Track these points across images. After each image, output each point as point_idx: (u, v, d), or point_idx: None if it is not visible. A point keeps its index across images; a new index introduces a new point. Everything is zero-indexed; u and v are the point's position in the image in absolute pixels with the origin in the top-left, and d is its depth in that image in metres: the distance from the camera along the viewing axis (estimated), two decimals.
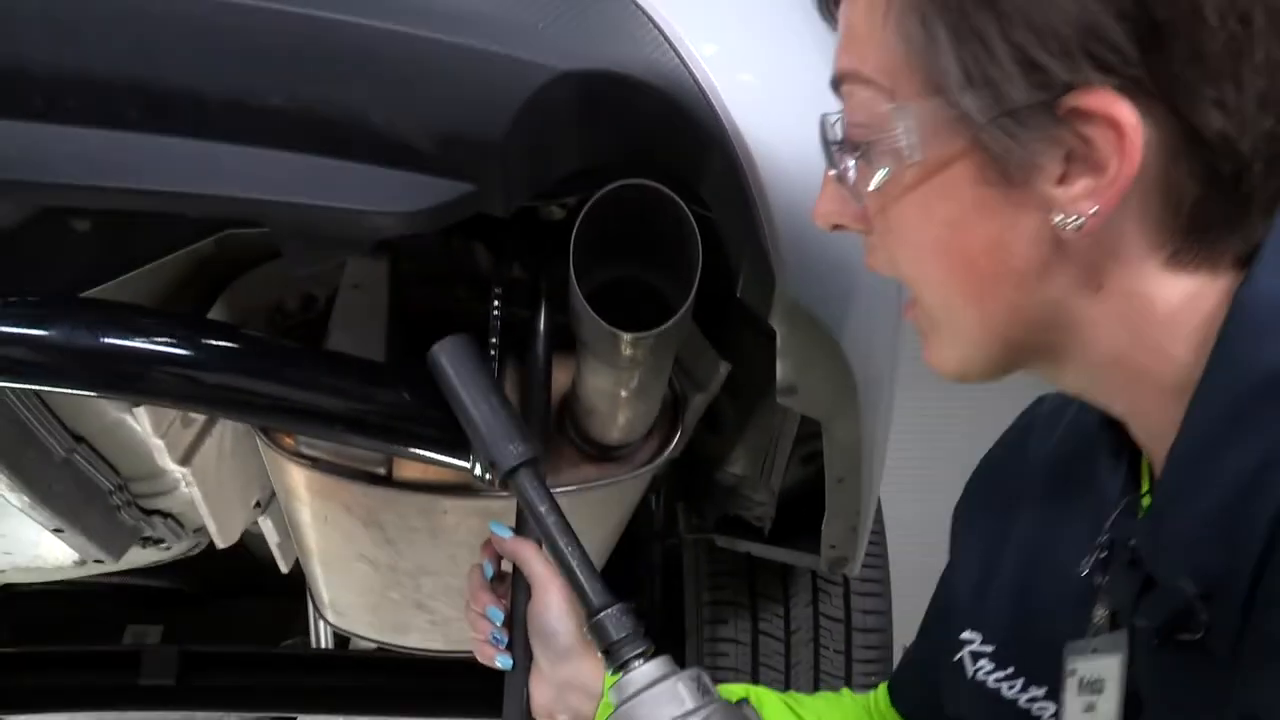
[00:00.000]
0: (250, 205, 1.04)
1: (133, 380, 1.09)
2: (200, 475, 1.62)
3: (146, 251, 1.25)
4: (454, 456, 1.25)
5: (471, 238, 1.47)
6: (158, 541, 1.91)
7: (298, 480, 1.47)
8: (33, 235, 1.20)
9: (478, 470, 1.25)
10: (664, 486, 2.19)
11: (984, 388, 0.92)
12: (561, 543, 1.09)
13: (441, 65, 1.03)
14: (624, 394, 1.30)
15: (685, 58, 1.09)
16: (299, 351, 1.18)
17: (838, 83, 0.83)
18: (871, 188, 0.80)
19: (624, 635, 1.04)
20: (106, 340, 1.08)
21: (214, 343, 1.12)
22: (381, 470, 1.45)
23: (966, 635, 1.02)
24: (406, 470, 1.46)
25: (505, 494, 1.43)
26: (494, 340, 1.26)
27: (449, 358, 1.15)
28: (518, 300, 1.40)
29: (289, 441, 1.45)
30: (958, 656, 1.01)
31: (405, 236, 1.33)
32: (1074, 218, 0.74)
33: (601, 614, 1.05)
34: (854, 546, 1.73)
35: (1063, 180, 0.74)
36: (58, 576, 2.06)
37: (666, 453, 1.51)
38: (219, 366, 1.10)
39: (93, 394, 1.10)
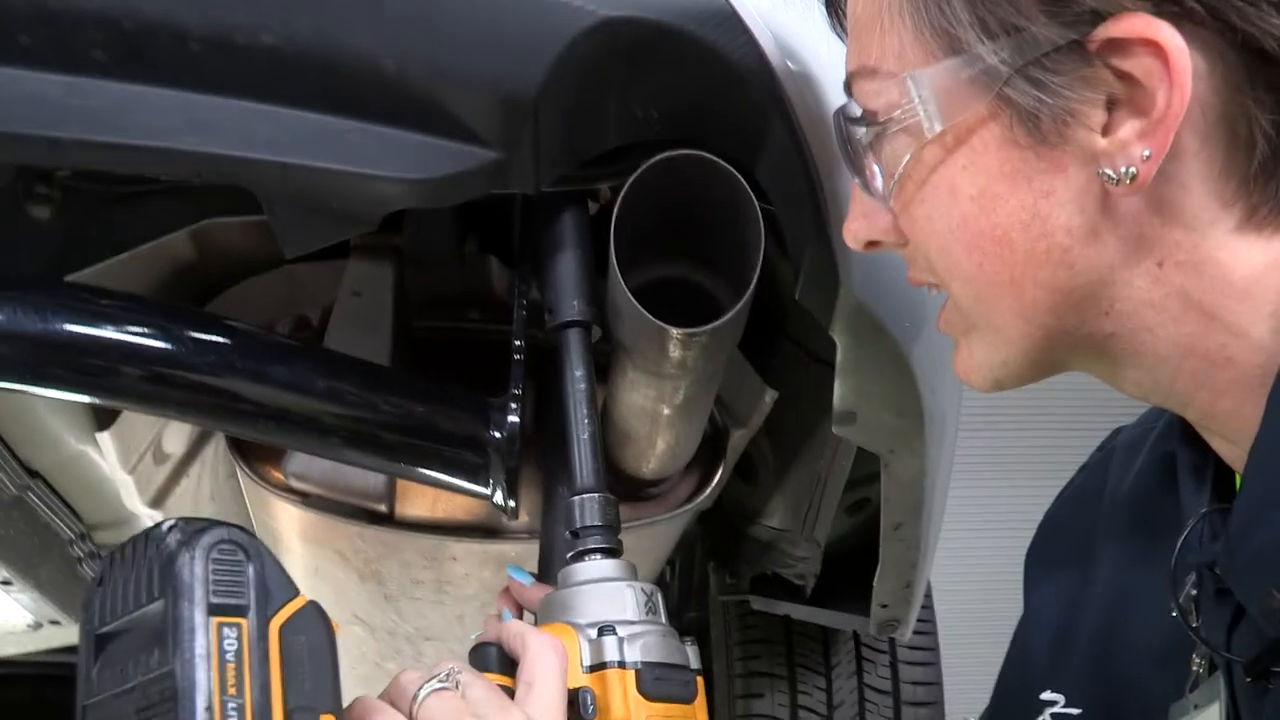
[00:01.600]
0: (238, 166, 0.93)
1: (96, 376, 0.95)
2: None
3: (112, 243, 1.14)
4: (470, 480, 1.12)
5: (485, 250, 1.36)
6: None
7: (286, 523, 1.34)
8: None
9: (498, 498, 1.10)
10: (682, 551, 2.05)
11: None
12: (582, 411, 1.02)
13: (464, 6, 0.94)
14: (666, 412, 1.18)
15: (740, 9, 1.00)
16: (296, 348, 1.05)
17: (849, 86, 0.79)
18: (897, 174, 0.75)
19: (595, 524, 0.97)
20: (63, 327, 0.95)
21: (193, 333, 0.99)
22: (383, 508, 1.32)
23: (1047, 696, 0.94)
24: (411, 508, 1.33)
25: (522, 536, 1.31)
26: (513, 387, 1.13)
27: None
28: (536, 323, 1.27)
29: (276, 475, 1.31)
30: None
31: (416, 231, 1.24)
32: (1124, 168, 0.67)
33: (583, 495, 0.99)
34: (908, 606, 1.62)
35: (1105, 130, 0.68)
36: (8, 649, 1.89)
37: (708, 490, 1.40)
38: (194, 360, 0.96)
39: (45, 391, 0.95)
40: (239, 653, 0.70)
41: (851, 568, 1.65)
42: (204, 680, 0.68)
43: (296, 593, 0.73)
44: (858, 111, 0.77)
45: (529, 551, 1.22)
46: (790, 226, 1.09)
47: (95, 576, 0.76)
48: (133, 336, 0.96)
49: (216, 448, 1.45)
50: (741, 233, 1.05)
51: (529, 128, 0.96)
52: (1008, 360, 0.77)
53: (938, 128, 0.71)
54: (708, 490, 1.40)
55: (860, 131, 0.77)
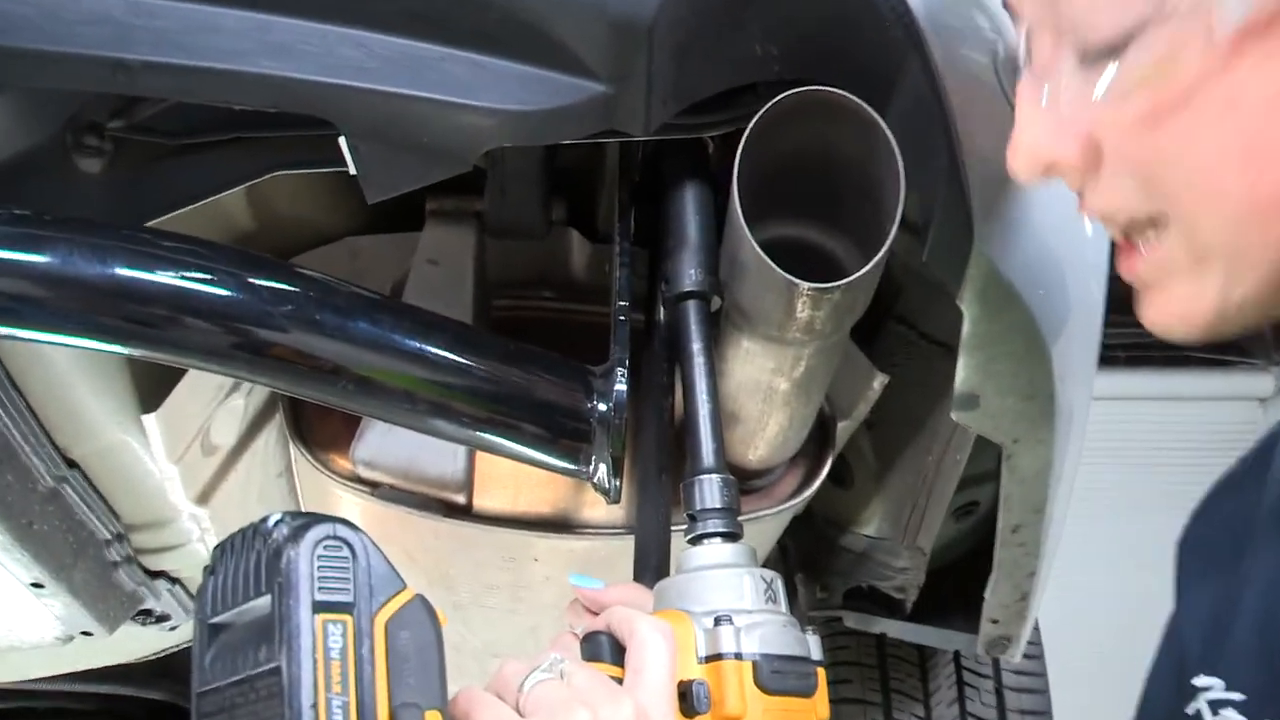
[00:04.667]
0: (319, 93, 0.88)
1: (160, 328, 0.89)
2: (220, 521, 1.42)
3: (166, 200, 1.08)
4: (569, 458, 1.06)
5: (571, 221, 1.34)
6: (161, 619, 1.66)
7: (353, 517, 1.26)
8: (34, 179, 1.04)
9: (601, 477, 1.06)
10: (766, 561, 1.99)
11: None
12: (701, 387, 1.03)
13: None
14: (783, 387, 1.13)
15: None
16: (381, 301, 0.99)
17: None
18: (1146, 78, 0.67)
19: (715, 507, 0.96)
20: (125, 272, 0.89)
21: (268, 281, 0.93)
22: (461, 499, 1.26)
23: (1202, 682, 0.89)
24: (490, 501, 1.27)
25: (613, 531, 1.25)
26: (617, 353, 1.09)
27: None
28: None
29: (342, 463, 1.26)
30: (1193, 708, 0.89)
31: (499, 194, 1.19)
32: None
33: (703, 475, 0.98)
34: (1021, 622, 1.55)
35: None
36: (36, 669, 1.82)
37: (816, 483, 1.34)
38: (269, 310, 0.91)
39: (102, 346, 0.89)
40: (344, 650, 0.72)
41: (957, 580, 1.60)
42: (309, 678, 0.71)
43: (402, 586, 0.76)
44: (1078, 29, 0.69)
45: (620, 551, 1.15)
46: (920, 179, 1.02)
47: (208, 566, 0.80)
48: (201, 284, 0.91)
49: (268, 440, 1.40)
50: (874, 184, 0.99)
51: (642, 58, 0.91)
52: (1248, 296, 0.71)
53: (1233, 20, 0.63)
54: (815, 484, 1.34)
55: (1078, 21, 0.69)
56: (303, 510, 1.35)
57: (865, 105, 0.95)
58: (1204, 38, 0.65)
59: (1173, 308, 0.75)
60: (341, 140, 0.92)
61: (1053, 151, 0.73)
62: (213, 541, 1.48)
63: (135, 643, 1.76)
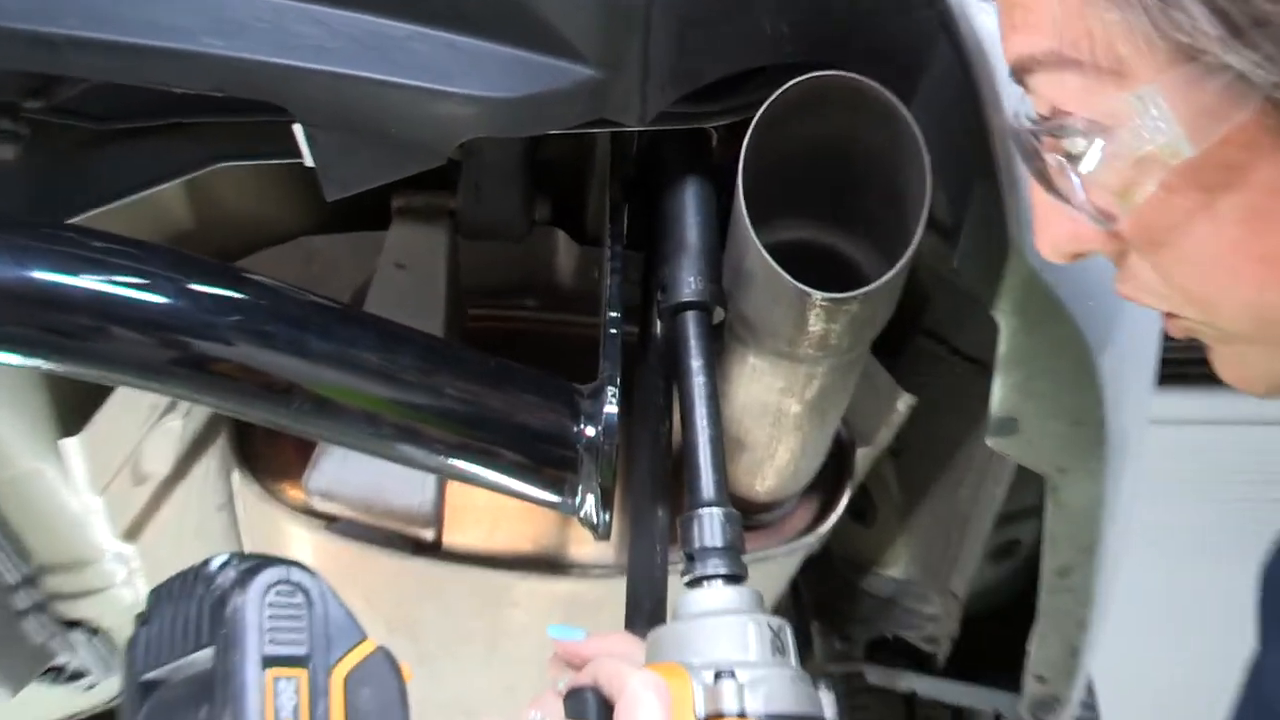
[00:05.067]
0: (275, 76, 0.91)
1: (88, 340, 0.91)
2: (151, 561, 1.46)
3: (92, 195, 1.11)
4: (551, 488, 1.09)
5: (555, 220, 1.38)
6: (75, 676, 1.69)
7: (300, 556, 1.28)
8: None
9: (588, 510, 1.09)
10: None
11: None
12: (701, 409, 1.05)
13: None
14: (794, 409, 1.17)
15: None
16: (341, 311, 1.02)
17: (1022, 72, 0.78)
18: (1130, 200, 0.75)
19: (716, 545, 0.99)
20: (46, 276, 0.91)
21: (213, 287, 0.95)
22: (429, 535, 1.29)
23: None
24: (462, 537, 1.30)
25: (602, 572, 1.28)
26: (607, 371, 1.13)
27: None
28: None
29: (294, 493, 1.28)
30: None
31: (475, 191, 1.22)
32: None
33: (703, 509, 1.00)
34: (1071, 680, 1.58)
35: None
36: None
37: (832, 519, 1.38)
38: (214, 320, 0.94)
39: (16, 359, 0.92)
40: (296, 709, 0.73)
41: (997, 630, 1.63)
42: None
43: (363, 636, 0.77)
44: (1045, 110, 0.76)
45: (609, 594, 1.20)
46: (950, 174, 1.07)
47: (141, 614, 0.80)
48: (134, 290, 0.93)
49: (208, 468, 1.44)
50: (898, 180, 1.03)
51: (637, 39, 0.94)
52: None
53: (1186, 152, 0.70)
54: (832, 518, 1.38)
55: (1057, 139, 0.75)
56: (247, 550, 1.39)
57: (887, 92, 0.98)
58: (1163, 161, 0.72)
59: (1228, 371, 0.82)
60: (297, 129, 0.95)
61: (1076, 243, 0.81)
62: (142, 585, 1.51)
63: (41, 706, 1.77)
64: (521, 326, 1.40)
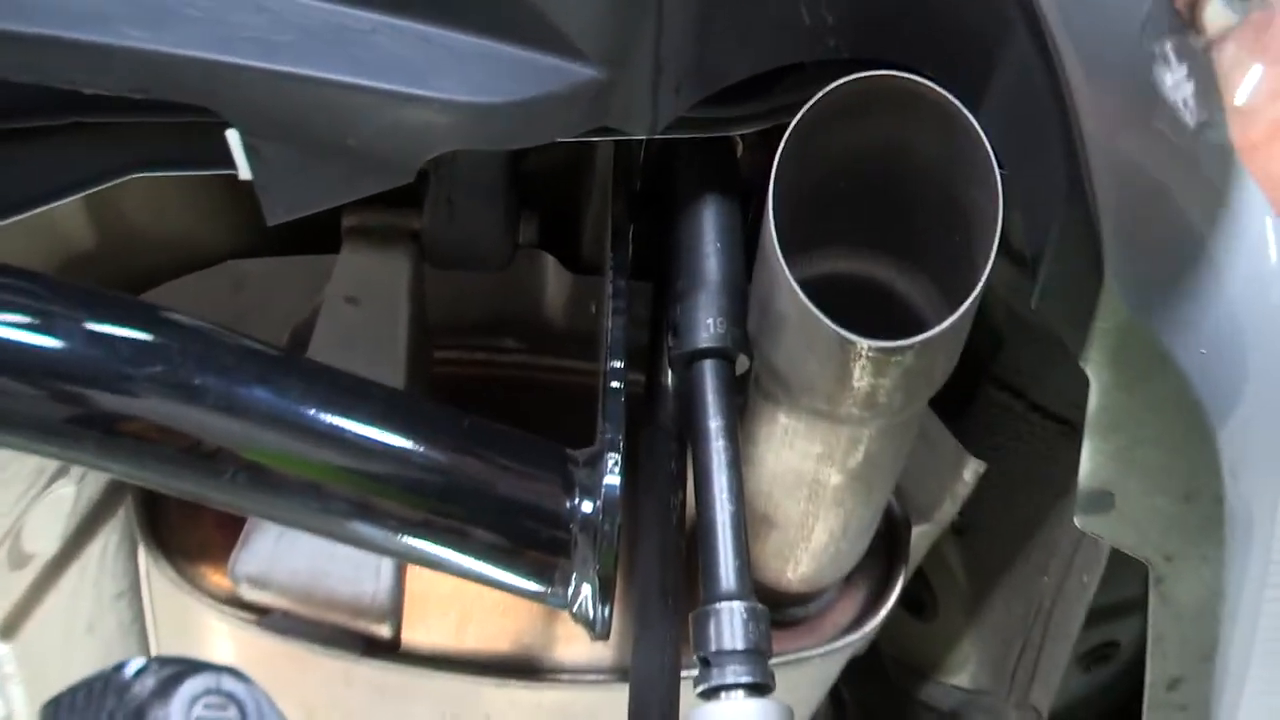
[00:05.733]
0: (207, 75, 0.95)
1: None
2: (31, 664, 1.49)
3: None
4: (536, 577, 1.12)
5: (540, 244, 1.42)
6: None
7: (224, 657, 1.34)
8: None
9: (583, 604, 1.13)
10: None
11: None
12: (721, 480, 1.11)
13: None
14: (835, 480, 1.20)
15: None
16: (283, 360, 1.06)
17: None
18: None
19: (737, 649, 1.04)
20: None
21: (126, 329, 0.99)
22: (385, 631, 1.32)
23: None
24: (425, 634, 1.34)
25: (599, 678, 1.32)
26: (608, 432, 1.17)
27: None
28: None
29: (217, 580, 1.32)
30: None
31: (445, 208, 1.27)
32: None
33: (722, 603, 1.05)
34: None
35: None
36: None
37: (881, 614, 1.40)
38: (126, 370, 0.98)
39: None
40: None
41: None
42: None
43: None
44: None
45: (607, 705, 1.24)
46: (1029, 194, 1.10)
47: None
48: (22, 331, 0.96)
49: (106, 546, 1.47)
50: (961, 200, 1.07)
51: (648, 31, 0.99)
52: None
53: None
54: (881, 613, 1.41)
55: None
56: (155, 651, 1.43)
57: (949, 96, 1.01)
58: None
59: None
60: (232, 137, 0.99)
61: None
62: (18, 694, 1.54)
63: None
64: (500, 374, 1.44)
